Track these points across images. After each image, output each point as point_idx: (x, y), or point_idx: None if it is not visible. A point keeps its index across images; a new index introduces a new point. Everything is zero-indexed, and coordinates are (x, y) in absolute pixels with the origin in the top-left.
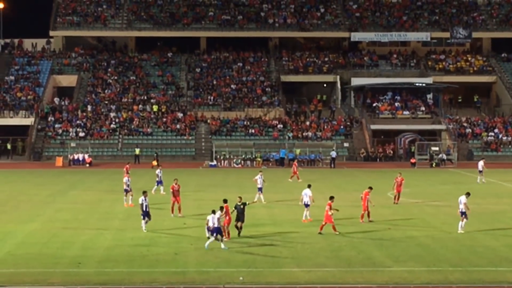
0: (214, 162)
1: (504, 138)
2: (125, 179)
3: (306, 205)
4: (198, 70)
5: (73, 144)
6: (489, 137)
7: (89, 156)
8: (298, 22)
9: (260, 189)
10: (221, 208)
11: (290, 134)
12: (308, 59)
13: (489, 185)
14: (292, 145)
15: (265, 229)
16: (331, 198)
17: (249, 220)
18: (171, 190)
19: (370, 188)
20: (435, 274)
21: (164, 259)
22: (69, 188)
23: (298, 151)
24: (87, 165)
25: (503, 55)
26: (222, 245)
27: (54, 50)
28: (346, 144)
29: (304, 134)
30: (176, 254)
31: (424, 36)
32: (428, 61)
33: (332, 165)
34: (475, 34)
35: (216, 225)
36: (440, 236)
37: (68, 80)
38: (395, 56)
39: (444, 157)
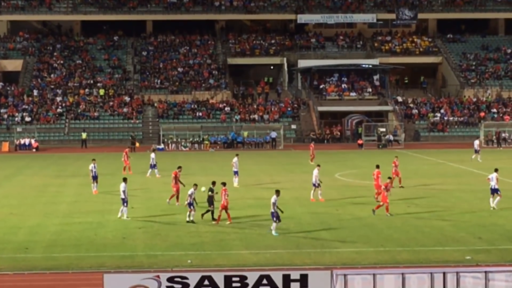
0: (162, 146)
1: (450, 118)
2: (91, 166)
3: (314, 185)
4: (144, 53)
5: (19, 129)
6: (436, 118)
7: (36, 141)
8: (244, 4)
9: (236, 173)
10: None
11: (238, 117)
12: (254, 42)
13: (436, 165)
14: (239, 128)
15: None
16: (389, 178)
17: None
18: (173, 176)
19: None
20: (383, 254)
21: (112, 243)
22: (15, 173)
23: (245, 133)
24: (34, 150)
25: (448, 36)
26: (273, 232)
27: None
28: (293, 126)
29: (251, 116)
30: (124, 238)
31: (370, 17)
32: (374, 42)
33: (274, 146)
34: (420, 15)
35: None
36: (387, 217)
37: (13, 64)
38: (341, 37)
39: (391, 138)
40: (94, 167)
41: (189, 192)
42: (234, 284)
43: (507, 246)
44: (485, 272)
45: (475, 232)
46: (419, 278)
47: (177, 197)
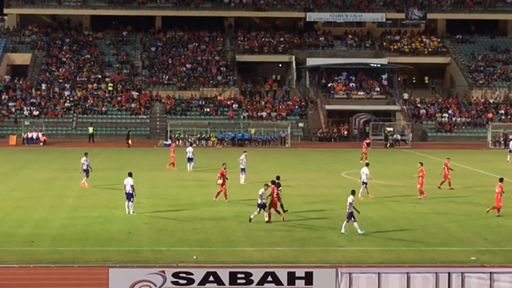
0: (169, 141)
1: (458, 119)
2: (83, 159)
3: (363, 183)
4: (153, 49)
5: (27, 123)
6: (443, 118)
7: (43, 134)
8: (254, 1)
9: (243, 170)
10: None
11: (245, 114)
12: (263, 39)
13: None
14: (247, 125)
15: (219, 208)
16: (501, 180)
17: (203, 199)
18: (219, 175)
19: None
20: (388, 253)
21: (118, 237)
22: (22, 167)
23: (253, 131)
24: (41, 143)
25: (457, 36)
26: (359, 230)
27: (8, 28)
28: (301, 124)
29: (259, 114)
30: (130, 233)
31: (379, 16)
32: (383, 41)
33: (283, 143)
34: (429, 15)
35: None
36: (393, 216)
37: (22, 58)
38: (350, 36)
39: (399, 137)
40: (86, 160)
41: (260, 192)
42: (239, 281)
43: None
44: (490, 273)
45: (480, 233)
46: (424, 278)
47: (224, 194)
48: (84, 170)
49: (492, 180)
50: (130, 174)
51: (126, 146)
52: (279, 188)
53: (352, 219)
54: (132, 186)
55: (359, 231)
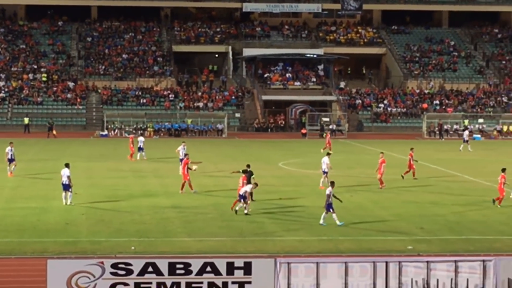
0: (105, 132)
1: (394, 109)
2: (7, 148)
3: (324, 172)
4: (89, 39)
5: None
6: (379, 109)
7: None
8: None
9: (181, 160)
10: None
11: (182, 105)
12: (200, 29)
13: (378, 155)
14: (184, 115)
15: (157, 199)
16: (504, 170)
17: (140, 190)
18: (184, 166)
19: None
20: (326, 243)
21: (55, 228)
22: None
23: (189, 121)
24: None
25: (393, 27)
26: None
27: None
28: (237, 115)
29: (195, 104)
30: (67, 224)
31: (316, 7)
32: (319, 32)
33: (220, 134)
34: (365, 6)
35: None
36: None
37: None
38: (286, 27)
39: (335, 127)
40: (11, 150)
41: (327, 192)
42: (178, 271)
43: (448, 237)
44: (427, 262)
45: (417, 222)
46: (361, 267)
47: (187, 185)
48: (9, 160)
49: (427, 170)
50: (67, 165)
51: (48, 137)
52: (252, 176)
53: (331, 210)
54: (68, 177)
55: (337, 222)
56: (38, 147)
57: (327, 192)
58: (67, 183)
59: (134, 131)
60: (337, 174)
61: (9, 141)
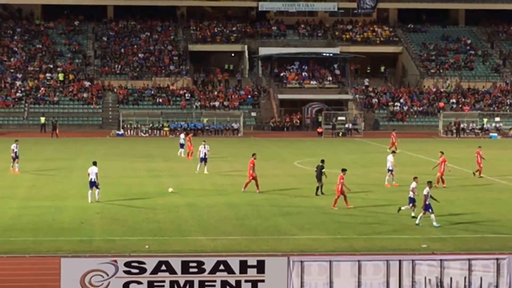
0: (121, 131)
1: (410, 108)
2: (13, 146)
3: (389, 170)
4: (105, 38)
5: None
6: (395, 107)
7: None
8: None
9: (202, 159)
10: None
11: (198, 104)
12: (216, 29)
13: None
14: (199, 115)
15: (171, 198)
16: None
17: (155, 189)
18: (251, 165)
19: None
20: (340, 242)
21: (70, 227)
22: None
23: (205, 120)
24: None
25: (409, 26)
26: (434, 223)
27: None
28: (253, 114)
29: (211, 103)
30: (82, 222)
31: (332, 6)
32: (335, 31)
33: (236, 133)
34: (381, 5)
35: None
36: (343, 205)
37: None
38: (302, 26)
39: (351, 126)
40: (16, 147)
41: (425, 192)
42: (191, 269)
43: (462, 235)
44: (440, 260)
45: (431, 221)
46: (375, 266)
47: (255, 184)
48: (13, 158)
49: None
50: (94, 163)
51: (51, 136)
52: (323, 170)
53: (430, 210)
54: (96, 174)
55: (434, 223)
56: (54, 146)
57: (425, 192)
58: (94, 180)
59: (149, 130)
60: (351, 173)
61: (15, 139)
